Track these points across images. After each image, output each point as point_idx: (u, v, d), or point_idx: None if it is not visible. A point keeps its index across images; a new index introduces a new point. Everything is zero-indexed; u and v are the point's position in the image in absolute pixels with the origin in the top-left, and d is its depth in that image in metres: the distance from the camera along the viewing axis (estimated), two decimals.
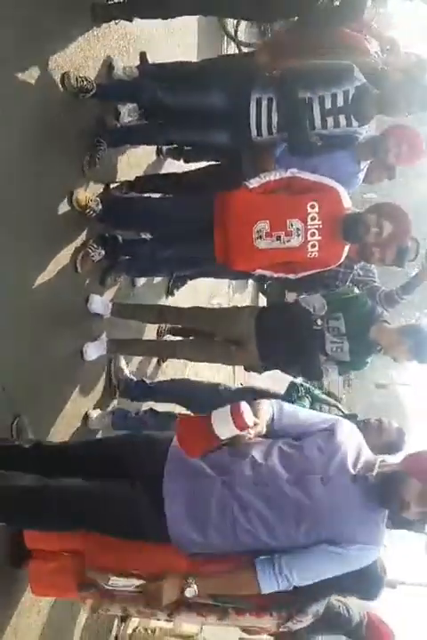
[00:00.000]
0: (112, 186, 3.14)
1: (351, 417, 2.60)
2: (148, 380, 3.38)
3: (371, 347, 2.85)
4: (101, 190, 3.05)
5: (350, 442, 1.86)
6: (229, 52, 5.06)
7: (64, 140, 2.69)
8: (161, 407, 3.27)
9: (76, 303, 2.93)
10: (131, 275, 3.29)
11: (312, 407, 2.93)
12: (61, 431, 2.75)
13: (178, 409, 3.31)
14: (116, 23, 3.01)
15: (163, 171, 3.74)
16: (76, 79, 2.65)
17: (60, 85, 2.61)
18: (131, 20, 3.00)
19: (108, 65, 3.04)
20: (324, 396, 3.05)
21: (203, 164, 3.44)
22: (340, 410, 3.04)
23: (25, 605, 2.40)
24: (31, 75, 2.43)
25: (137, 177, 3.37)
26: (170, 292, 3.95)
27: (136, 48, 3.33)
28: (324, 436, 1.83)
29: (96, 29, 2.92)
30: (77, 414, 2.95)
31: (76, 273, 2.83)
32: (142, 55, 3.42)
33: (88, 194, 2.83)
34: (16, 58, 2.32)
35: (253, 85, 2.63)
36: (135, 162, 3.37)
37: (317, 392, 3.04)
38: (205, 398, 3.12)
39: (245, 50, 4.13)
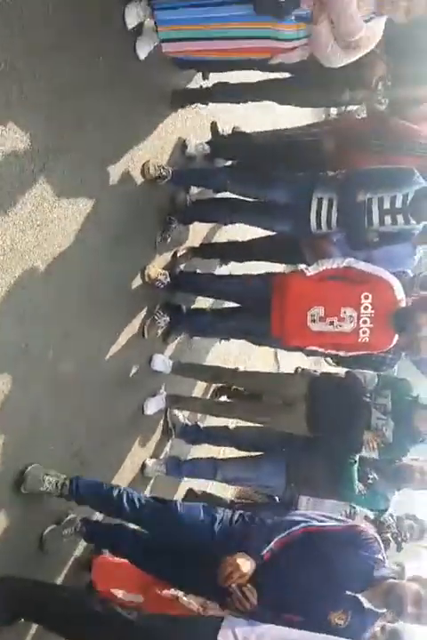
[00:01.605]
0: (179, 254, 3.39)
1: None
2: (201, 424, 3.63)
3: (414, 434, 2.96)
4: (170, 258, 3.34)
5: None
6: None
7: (140, 221, 2.97)
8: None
9: (141, 364, 3.21)
10: (191, 334, 3.55)
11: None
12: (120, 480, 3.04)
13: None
14: (193, 107, 3.26)
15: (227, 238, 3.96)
16: (155, 168, 2.92)
17: (141, 175, 2.89)
18: (207, 104, 3.25)
19: (182, 144, 3.30)
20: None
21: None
22: None
23: None
24: (115, 167, 2.72)
25: (202, 243, 3.62)
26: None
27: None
28: None
29: (173, 114, 3.19)
30: (137, 464, 3.23)
31: (142, 338, 3.12)
32: (213, 125, 3.66)
33: (158, 268, 3.11)
34: (101, 151, 2.61)
35: (316, 186, 2.81)
36: (200, 230, 3.63)
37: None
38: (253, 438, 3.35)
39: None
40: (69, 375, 2.53)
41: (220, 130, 3.66)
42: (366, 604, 2.02)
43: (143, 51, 2.68)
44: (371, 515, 3.17)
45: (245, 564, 1.89)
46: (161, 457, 3.46)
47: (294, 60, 2.63)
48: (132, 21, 2.59)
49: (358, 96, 3.08)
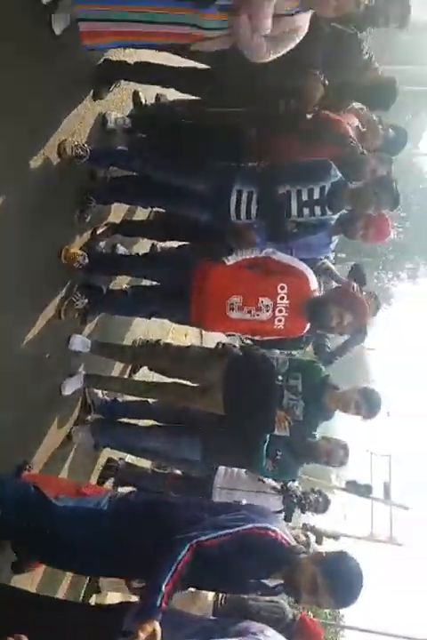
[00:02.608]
0: (98, 231, 3.31)
1: None
2: (120, 399, 3.67)
3: (324, 412, 3.18)
4: (89, 237, 3.24)
5: None
6: None
7: (57, 200, 2.85)
8: None
9: (59, 345, 3.15)
10: (111, 314, 3.51)
11: None
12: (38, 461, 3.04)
13: None
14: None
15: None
16: (72, 148, 2.79)
17: (57, 155, 2.75)
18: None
19: (103, 118, 3.16)
20: None
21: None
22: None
23: None
24: (31, 146, 2.58)
25: (123, 220, 3.54)
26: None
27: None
28: None
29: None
30: (53, 445, 3.23)
31: (59, 319, 3.05)
32: (135, 94, 3.52)
33: (76, 248, 3.02)
34: (16, 131, 2.45)
35: (236, 178, 2.82)
36: (122, 209, 3.53)
37: None
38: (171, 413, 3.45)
39: None
40: None
41: (142, 100, 3.55)
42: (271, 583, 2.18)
43: (59, 26, 2.50)
44: (277, 485, 3.40)
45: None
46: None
47: (215, 48, 2.57)
48: None
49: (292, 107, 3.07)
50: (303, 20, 2.56)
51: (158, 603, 1.75)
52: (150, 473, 3.98)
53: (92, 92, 3.01)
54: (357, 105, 3.47)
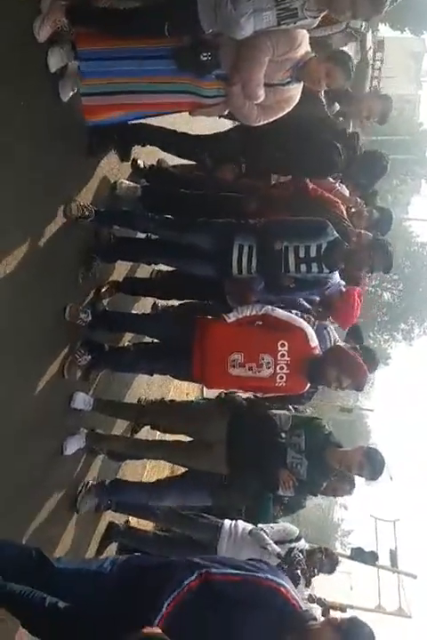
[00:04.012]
0: (102, 290, 3.38)
1: None
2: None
3: (327, 470, 3.13)
4: (93, 294, 3.31)
5: None
6: None
7: (60, 258, 2.92)
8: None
9: (61, 403, 3.15)
10: (114, 371, 3.53)
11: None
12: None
13: None
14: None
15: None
16: (78, 208, 2.90)
17: (63, 215, 2.85)
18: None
19: (113, 185, 3.29)
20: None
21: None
22: None
23: None
24: (36, 206, 2.67)
25: (125, 277, 3.62)
26: None
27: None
28: None
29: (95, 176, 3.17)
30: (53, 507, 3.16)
31: (62, 377, 3.06)
32: (134, 162, 3.63)
33: (80, 306, 3.08)
34: (23, 192, 2.55)
35: (236, 233, 2.93)
36: (125, 266, 3.62)
37: None
38: None
39: None
40: None
41: (140, 164, 3.70)
42: None
43: (66, 93, 2.66)
44: (282, 551, 3.30)
45: None
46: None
47: (214, 114, 2.73)
48: (55, 64, 2.57)
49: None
50: (296, 91, 2.75)
51: (155, 621, 1.60)
52: (153, 536, 3.88)
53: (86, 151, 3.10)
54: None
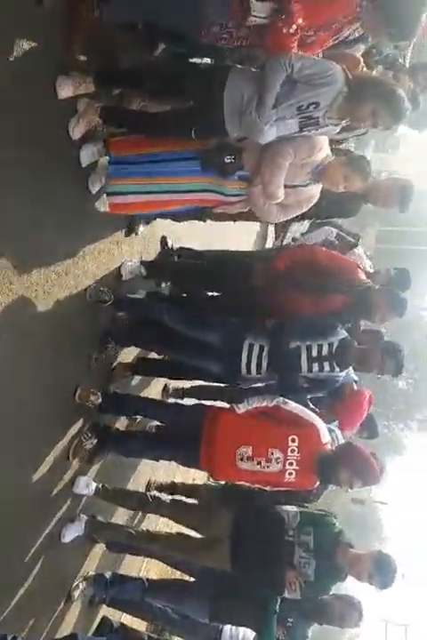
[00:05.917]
0: (114, 372, 3.38)
1: None
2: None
3: (337, 571, 2.97)
4: (104, 376, 3.30)
5: None
6: None
7: (74, 338, 2.95)
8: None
9: (63, 485, 3.07)
10: (119, 454, 3.46)
11: None
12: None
13: None
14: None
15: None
16: (97, 292, 2.95)
17: (86, 297, 2.93)
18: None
19: (118, 273, 3.35)
20: None
21: None
22: None
23: None
24: (53, 286, 2.72)
25: (138, 358, 3.63)
26: None
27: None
28: None
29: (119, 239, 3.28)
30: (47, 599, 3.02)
31: (67, 460, 3.01)
32: (163, 240, 3.78)
33: (91, 389, 3.07)
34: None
35: (248, 332, 2.94)
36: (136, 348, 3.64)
37: None
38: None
39: None
40: None
41: (169, 243, 3.81)
42: None
43: (95, 186, 2.78)
44: None
45: None
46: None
47: (235, 211, 2.82)
48: (86, 160, 2.70)
49: None
50: (315, 190, 2.84)
51: None
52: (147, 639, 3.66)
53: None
54: None
